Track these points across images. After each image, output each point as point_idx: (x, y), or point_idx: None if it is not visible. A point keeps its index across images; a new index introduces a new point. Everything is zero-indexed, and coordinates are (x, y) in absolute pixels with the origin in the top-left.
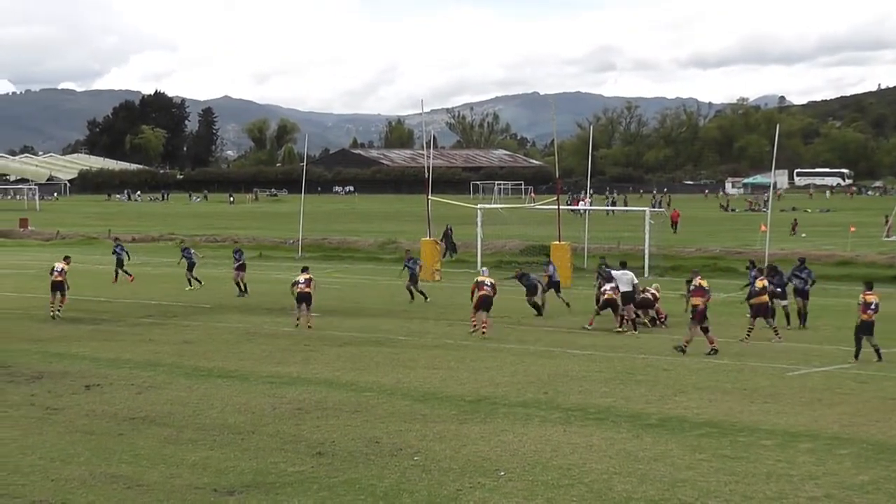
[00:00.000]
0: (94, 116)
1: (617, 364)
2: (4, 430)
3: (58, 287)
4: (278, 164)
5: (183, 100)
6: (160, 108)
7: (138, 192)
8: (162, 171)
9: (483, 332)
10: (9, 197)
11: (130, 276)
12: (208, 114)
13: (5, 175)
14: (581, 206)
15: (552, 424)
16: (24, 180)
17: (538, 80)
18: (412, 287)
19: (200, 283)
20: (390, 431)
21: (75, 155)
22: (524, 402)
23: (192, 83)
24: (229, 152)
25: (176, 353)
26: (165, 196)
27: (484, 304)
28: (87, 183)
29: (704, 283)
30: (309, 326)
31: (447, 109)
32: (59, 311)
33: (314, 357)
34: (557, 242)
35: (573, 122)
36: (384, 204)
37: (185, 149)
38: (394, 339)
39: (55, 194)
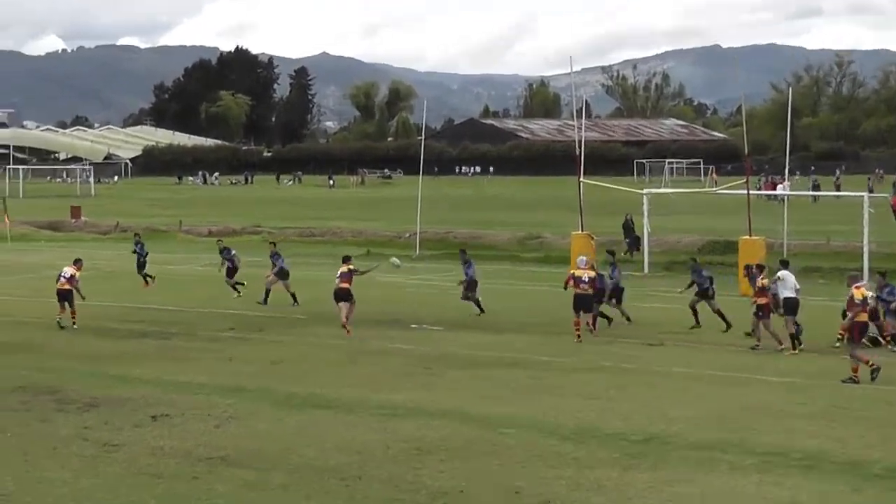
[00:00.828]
0: (161, 80)
1: (825, 395)
2: (52, 470)
3: (64, 297)
4: (390, 139)
5: (271, 58)
6: (242, 69)
7: (216, 174)
8: (245, 148)
9: (581, 335)
10: (58, 180)
11: (146, 281)
12: (302, 75)
13: (53, 153)
14: (778, 190)
15: (743, 473)
16: (76, 159)
17: (719, 29)
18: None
19: (243, 285)
20: (533, 479)
21: (138, 127)
22: (705, 442)
23: (281, 38)
24: (329, 123)
25: (263, 376)
26: (249, 179)
27: (582, 303)
28: (152, 162)
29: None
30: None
31: (603, 68)
32: (73, 323)
33: (435, 382)
34: (747, 237)
35: (766, 82)
36: (523, 188)
37: (273, 119)
38: (535, 361)
39: (114, 177)
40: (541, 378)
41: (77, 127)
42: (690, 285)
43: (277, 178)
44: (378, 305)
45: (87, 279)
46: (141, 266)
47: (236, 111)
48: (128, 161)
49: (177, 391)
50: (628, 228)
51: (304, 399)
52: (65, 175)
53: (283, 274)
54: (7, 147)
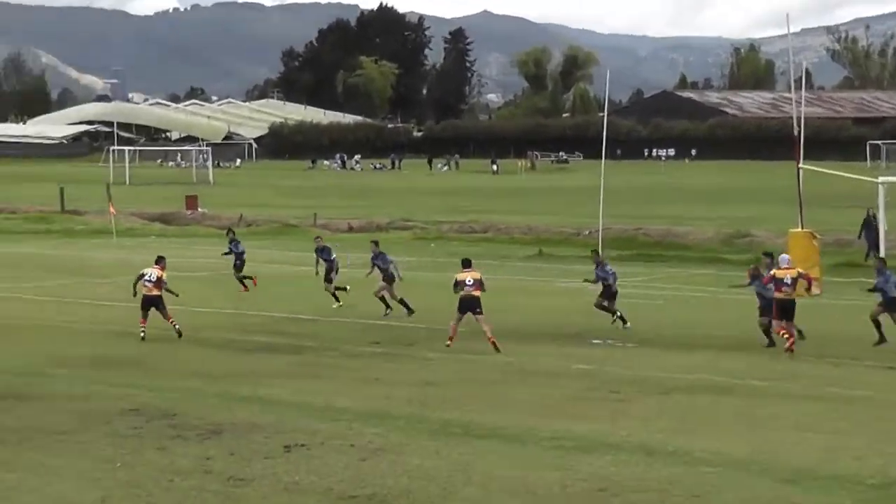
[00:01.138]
0: (290, 44)
1: None
2: None
3: (152, 303)
4: (566, 115)
5: (421, 18)
6: (387, 31)
7: (356, 157)
8: (391, 126)
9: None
10: (170, 163)
11: (244, 285)
12: (459, 39)
13: (164, 132)
14: None
15: None
16: (190, 139)
17: None
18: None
19: (345, 290)
20: None
21: (264, 101)
22: None
23: None
24: (491, 96)
25: (415, 400)
26: (396, 163)
27: (784, 309)
28: (281, 143)
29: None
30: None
31: (827, 29)
32: (178, 332)
33: (624, 409)
34: None
35: None
36: (729, 175)
37: (424, 92)
38: (744, 385)
39: (236, 160)
40: (751, 406)
41: (192, 101)
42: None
43: (430, 163)
44: (552, 317)
45: (205, 283)
46: (239, 267)
47: (380, 82)
48: (252, 141)
49: (314, 417)
50: (869, 226)
51: (464, 428)
52: (178, 158)
53: (390, 278)
54: (110, 125)
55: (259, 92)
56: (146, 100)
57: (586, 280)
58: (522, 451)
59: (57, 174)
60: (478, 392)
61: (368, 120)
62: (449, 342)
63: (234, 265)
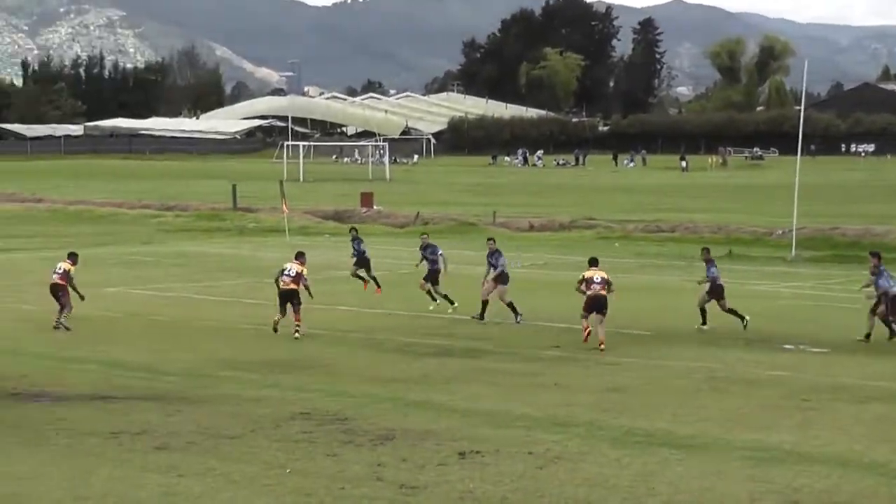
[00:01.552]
0: (471, 35)
1: None
2: None
3: (288, 298)
4: (760, 108)
5: (609, 7)
6: (574, 21)
7: (539, 153)
8: (576, 120)
9: None
10: (345, 159)
11: (365, 282)
12: (648, 29)
13: (340, 126)
14: None
15: None
16: (367, 134)
17: None
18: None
19: (451, 302)
20: None
21: (443, 95)
22: None
23: None
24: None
25: (598, 406)
26: (581, 159)
27: None
28: (460, 138)
29: None
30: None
31: None
32: (296, 332)
33: (816, 419)
34: None
35: None
36: None
37: (611, 84)
38: None
39: (414, 156)
40: None
41: (369, 94)
42: None
43: (615, 159)
44: (752, 322)
45: (384, 283)
46: (367, 265)
47: (565, 74)
48: (430, 136)
49: (489, 423)
50: None
51: (648, 436)
52: (356, 154)
53: (503, 279)
54: (285, 119)
55: (439, 85)
56: (322, 93)
57: (700, 282)
58: (709, 461)
59: (229, 170)
60: (662, 399)
61: (552, 114)
62: (585, 339)
63: (357, 264)
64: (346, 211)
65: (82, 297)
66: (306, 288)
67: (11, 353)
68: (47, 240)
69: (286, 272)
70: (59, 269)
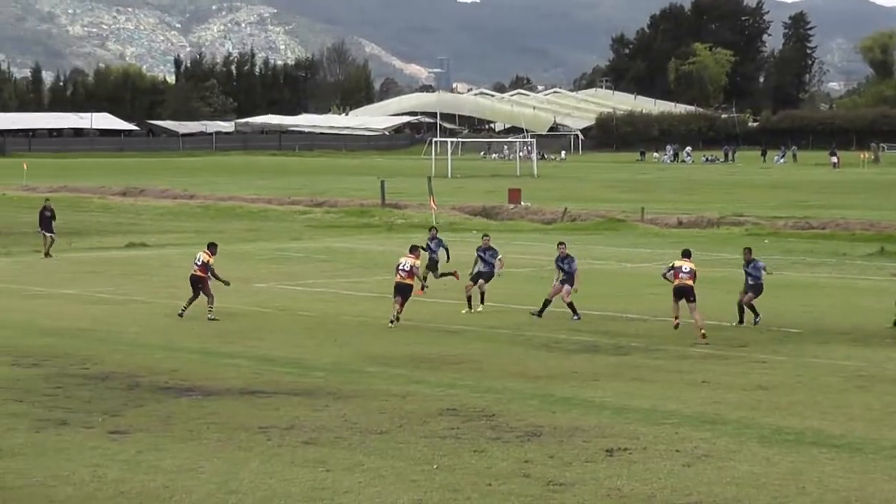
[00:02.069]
0: (620, 31)
1: None
2: None
3: (401, 291)
4: None
5: (760, 2)
6: (724, 16)
7: (688, 149)
8: (725, 116)
9: None
10: (493, 155)
11: (423, 285)
12: (799, 24)
13: (488, 122)
14: None
15: None
16: (515, 130)
17: None
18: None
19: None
20: None
21: (592, 91)
22: None
23: None
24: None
25: (746, 404)
26: (730, 155)
27: None
28: (608, 134)
29: None
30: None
31: None
32: (394, 319)
33: None
34: None
35: None
36: None
37: (761, 80)
38: None
39: (561, 152)
40: None
41: (517, 90)
42: None
43: (764, 155)
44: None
45: (528, 280)
46: (433, 265)
47: (714, 70)
48: (578, 132)
49: (638, 420)
50: None
51: (798, 435)
52: (505, 150)
53: (570, 281)
54: (433, 115)
55: (587, 81)
56: (470, 90)
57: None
58: (860, 461)
59: (378, 167)
60: (813, 397)
61: (701, 110)
62: (675, 326)
63: (432, 262)
64: (493, 207)
65: (227, 283)
66: (417, 276)
67: (163, 349)
68: (199, 235)
69: (401, 266)
70: (199, 260)
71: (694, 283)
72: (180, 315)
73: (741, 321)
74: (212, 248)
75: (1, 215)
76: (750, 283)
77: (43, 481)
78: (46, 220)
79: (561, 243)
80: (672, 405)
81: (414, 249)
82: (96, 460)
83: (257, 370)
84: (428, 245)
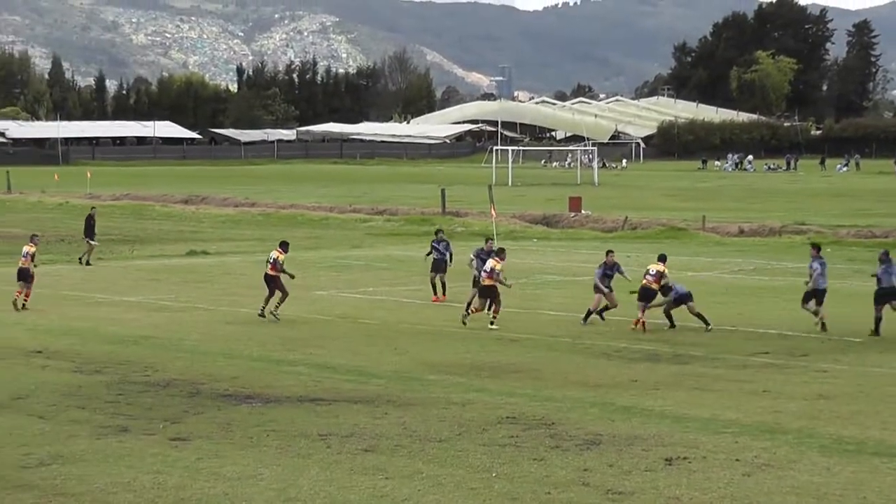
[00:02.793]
0: (682, 39)
1: None
2: None
3: (487, 294)
4: None
5: (823, 10)
6: (787, 24)
7: (749, 158)
8: (787, 124)
9: None
10: (554, 164)
11: (435, 294)
12: (863, 32)
13: (549, 131)
14: None
15: None
16: (576, 138)
17: None
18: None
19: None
20: None
21: (654, 99)
22: None
23: None
24: None
25: (807, 414)
26: (792, 163)
27: None
28: (669, 142)
29: None
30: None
31: None
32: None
33: None
34: None
35: None
36: None
37: (824, 88)
38: None
39: (622, 160)
40: None
41: (579, 99)
42: None
43: (822, 163)
44: None
45: (587, 287)
46: (438, 267)
47: (777, 78)
48: (639, 141)
49: (697, 429)
50: None
51: (859, 445)
52: (568, 158)
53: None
54: (494, 124)
55: (649, 89)
56: (532, 98)
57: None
58: None
59: (438, 175)
60: (874, 407)
61: (763, 118)
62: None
63: (434, 269)
64: (554, 215)
65: (292, 276)
66: (501, 282)
67: (224, 356)
68: (260, 243)
69: (483, 269)
70: (271, 257)
71: (659, 285)
72: (261, 315)
73: (823, 328)
74: (283, 246)
75: (65, 223)
76: (812, 280)
77: (104, 488)
78: (91, 227)
79: (609, 251)
80: (732, 414)
81: (500, 252)
82: (157, 467)
83: (317, 378)
84: (435, 247)
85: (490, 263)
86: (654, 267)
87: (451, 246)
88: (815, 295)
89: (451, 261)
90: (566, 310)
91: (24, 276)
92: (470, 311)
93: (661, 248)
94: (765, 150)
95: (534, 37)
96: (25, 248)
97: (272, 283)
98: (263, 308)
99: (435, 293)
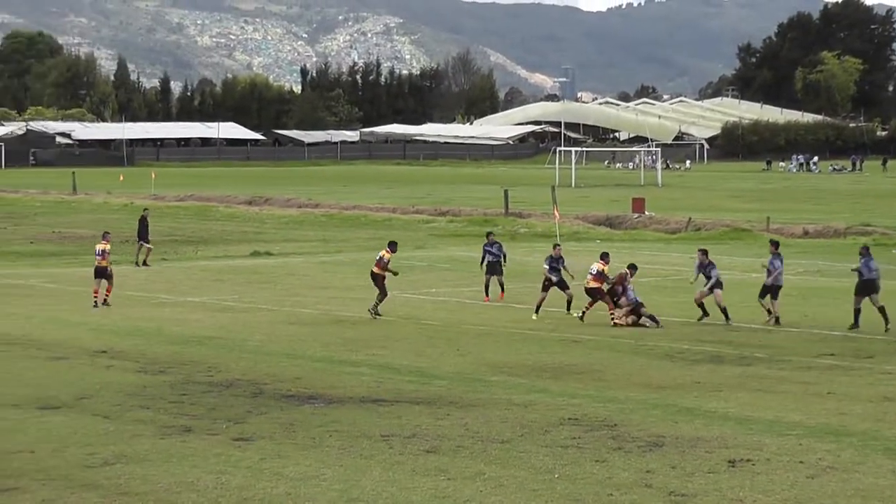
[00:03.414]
0: (747, 40)
1: None
2: None
3: (592, 294)
4: None
5: (890, 10)
6: (853, 25)
7: (815, 159)
8: (853, 125)
9: None
10: (617, 165)
11: (487, 295)
12: None
13: (613, 132)
14: None
15: None
16: (639, 139)
17: None
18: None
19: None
20: None
21: (718, 100)
22: None
23: None
24: None
25: (872, 416)
26: (858, 164)
27: None
28: (733, 143)
29: None
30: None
31: None
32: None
33: None
34: None
35: None
36: None
37: (890, 89)
38: None
39: (686, 161)
40: None
41: (643, 100)
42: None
43: (883, 164)
44: None
45: (650, 288)
46: (494, 269)
47: (843, 78)
48: (703, 142)
49: (761, 431)
50: None
51: None
52: (634, 158)
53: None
54: (558, 125)
55: (713, 90)
56: (595, 99)
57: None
58: None
59: (501, 176)
60: None
61: (828, 119)
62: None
63: (489, 271)
64: (617, 216)
65: (395, 273)
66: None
67: (287, 356)
68: (323, 244)
69: (589, 271)
70: (378, 256)
71: (600, 284)
72: (372, 313)
73: (887, 325)
74: (392, 245)
75: (129, 224)
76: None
77: (168, 487)
78: (144, 229)
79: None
80: (796, 416)
81: (605, 256)
82: (220, 467)
83: (380, 378)
84: (488, 250)
85: (596, 266)
86: (596, 266)
87: (503, 247)
88: (773, 290)
89: (505, 261)
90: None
91: (101, 275)
92: (538, 311)
93: (725, 250)
94: (830, 151)
95: (597, 37)
96: (99, 247)
97: (376, 280)
98: (375, 305)
99: (487, 294)
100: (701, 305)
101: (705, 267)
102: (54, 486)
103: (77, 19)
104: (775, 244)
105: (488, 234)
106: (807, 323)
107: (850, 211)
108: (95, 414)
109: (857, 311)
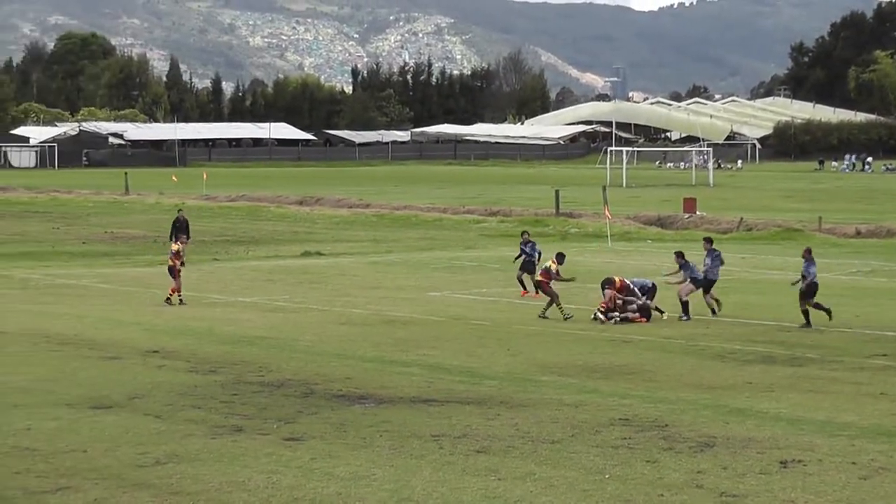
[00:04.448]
0: (799, 39)
1: None
2: None
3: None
4: None
5: None
6: None
7: (869, 159)
8: None
9: None
10: (669, 165)
11: (524, 289)
12: None
13: (664, 131)
14: None
15: None
16: (691, 139)
17: None
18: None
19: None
20: None
21: (770, 99)
22: None
23: None
24: None
25: None
26: None
27: None
28: (786, 143)
29: None
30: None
31: None
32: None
33: None
34: None
35: None
36: None
37: None
38: None
39: (738, 161)
40: None
41: (694, 99)
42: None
43: None
44: None
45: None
46: (528, 267)
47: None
48: (755, 141)
49: (813, 432)
50: None
51: None
52: (688, 158)
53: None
54: (609, 125)
55: (765, 89)
56: (646, 98)
57: None
58: None
59: (552, 176)
60: None
61: (882, 118)
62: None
63: (527, 266)
64: (668, 217)
65: (572, 280)
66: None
67: (338, 356)
68: (374, 244)
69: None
70: (545, 266)
71: (547, 279)
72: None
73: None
74: (559, 257)
75: None
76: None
77: (219, 487)
78: (179, 229)
79: (524, 231)
80: (848, 417)
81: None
82: (271, 467)
83: (430, 378)
84: (523, 249)
85: (548, 264)
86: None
87: (537, 246)
88: (708, 285)
89: (539, 260)
90: (679, 311)
91: (171, 273)
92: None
93: (777, 250)
94: (883, 151)
95: (649, 37)
96: (173, 247)
97: (539, 287)
98: (545, 311)
99: (524, 288)
100: (805, 312)
101: (682, 267)
102: (106, 485)
103: (130, 20)
104: (709, 241)
105: (523, 234)
106: (859, 323)
107: None
108: (147, 413)
109: (806, 312)
